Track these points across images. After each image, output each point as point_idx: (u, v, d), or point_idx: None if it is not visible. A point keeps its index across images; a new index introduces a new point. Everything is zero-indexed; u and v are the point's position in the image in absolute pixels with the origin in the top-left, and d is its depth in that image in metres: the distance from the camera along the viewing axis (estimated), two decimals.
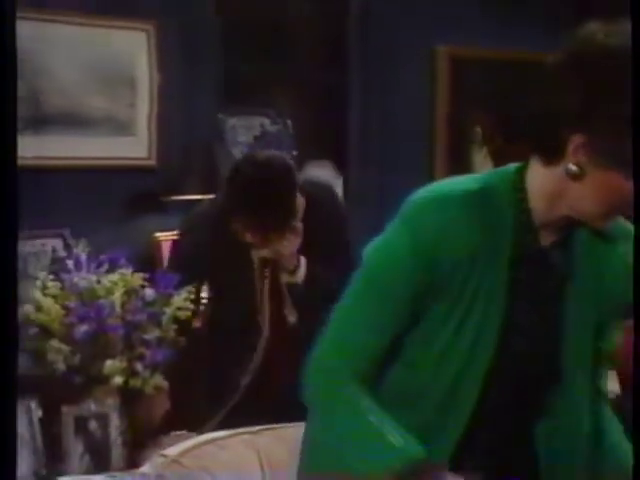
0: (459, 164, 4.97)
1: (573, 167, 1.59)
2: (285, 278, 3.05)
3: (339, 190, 4.52)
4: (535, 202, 1.68)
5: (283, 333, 3.21)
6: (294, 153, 4.34)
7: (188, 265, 3.18)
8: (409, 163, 4.76)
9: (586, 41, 1.61)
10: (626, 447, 1.86)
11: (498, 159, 4.90)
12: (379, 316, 1.73)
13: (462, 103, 4.96)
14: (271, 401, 3.17)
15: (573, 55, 1.61)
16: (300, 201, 2.90)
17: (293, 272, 3.03)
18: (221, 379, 3.27)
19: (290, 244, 2.98)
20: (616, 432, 1.92)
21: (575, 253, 1.76)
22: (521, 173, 1.69)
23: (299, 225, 2.95)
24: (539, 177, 1.66)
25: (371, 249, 1.78)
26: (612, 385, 4.36)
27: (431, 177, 4.82)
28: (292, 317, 3.17)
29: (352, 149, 4.57)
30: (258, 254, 3.04)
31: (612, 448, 1.89)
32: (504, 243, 1.72)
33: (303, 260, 3.03)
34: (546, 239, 1.74)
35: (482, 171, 5.01)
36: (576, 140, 1.56)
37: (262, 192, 2.91)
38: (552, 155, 1.63)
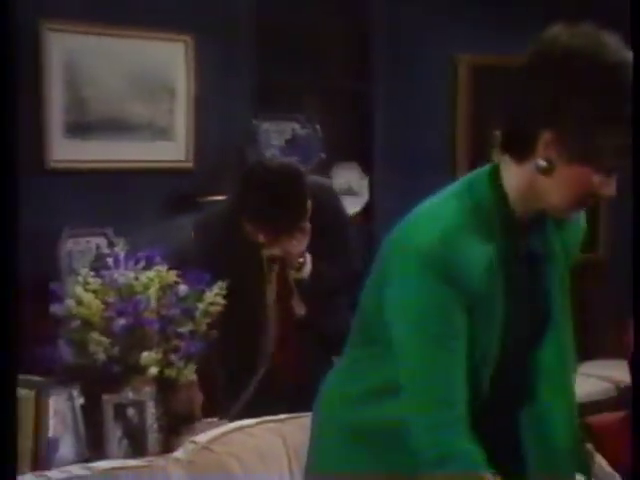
0: (480, 166, 4.84)
1: (543, 162, 1.59)
2: (292, 274, 3.07)
3: (365, 189, 4.55)
4: (514, 202, 1.68)
5: (291, 324, 3.24)
6: (322, 155, 4.35)
7: (202, 262, 3.20)
8: (431, 164, 4.74)
9: (551, 42, 1.60)
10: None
11: None
12: (452, 361, 1.70)
13: (481, 108, 4.87)
14: (284, 386, 3.20)
15: (540, 56, 1.61)
16: (308, 203, 2.92)
17: (300, 268, 3.05)
18: (239, 367, 3.30)
19: (299, 243, 3.00)
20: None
21: (547, 237, 1.78)
22: (495, 176, 1.69)
23: (307, 225, 2.97)
24: (513, 176, 1.66)
25: (401, 310, 1.74)
26: (611, 371, 4.29)
27: (453, 177, 4.75)
28: (300, 309, 3.20)
29: (377, 152, 4.57)
30: (268, 252, 3.07)
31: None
32: (496, 245, 1.70)
33: (309, 257, 3.04)
34: (527, 231, 1.74)
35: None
36: (546, 137, 1.56)
37: (274, 196, 2.93)
38: (523, 152, 1.62)
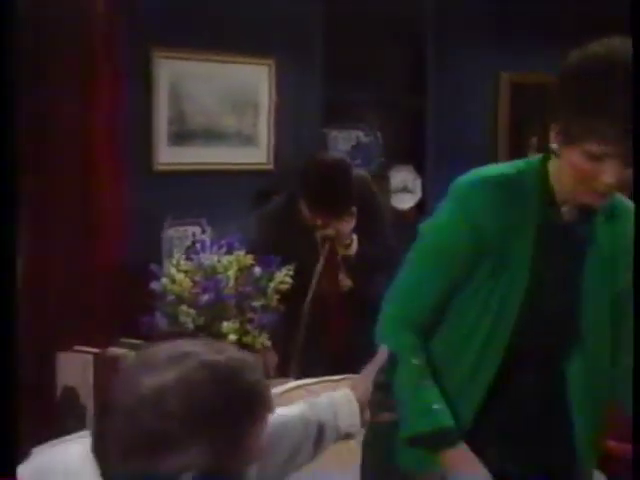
0: None
1: (554, 145, 1.57)
2: (341, 251, 3.04)
3: (418, 188, 4.49)
4: (554, 182, 1.62)
5: (339, 295, 3.22)
6: (382, 159, 4.31)
7: (266, 245, 3.21)
8: (475, 166, 4.52)
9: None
10: None
11: None
12: (435, 279, 1.66)
13: (519, 118, 4.74)
14: (335, 349, 3.20)
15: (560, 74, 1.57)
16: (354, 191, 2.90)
17: (348, 247, 3.02)
18: (298, 333, 3.26)
19: (348, 225, 2.98)
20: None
21: (595, 228, 1.67)
22: (545, 160, 1.64)
23: (354, 209, 2.95)
24: (551, 163, 1.63)
25: (427, 224, 1.72)
26: None
27: None
28: (346, 282, 3.16)
29: (429, 155, 4.50)
30: (322, 233, 3.04)
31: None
32: (532, 216, 1.64)
33: (355, 237, 3.01)
34: (569, 215, 1.65)
35: None
36: (554, 127, 1.56)
37: (328, 185, 2.92)
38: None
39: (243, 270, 3.01)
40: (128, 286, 3.05)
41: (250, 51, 3.85)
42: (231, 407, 1.15)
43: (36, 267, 2.99)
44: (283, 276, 3.09)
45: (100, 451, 1.14)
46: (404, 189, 4.44)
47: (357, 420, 1.55)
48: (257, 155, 3.91)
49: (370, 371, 1.60)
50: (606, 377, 1.71)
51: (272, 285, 3.09)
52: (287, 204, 3.16)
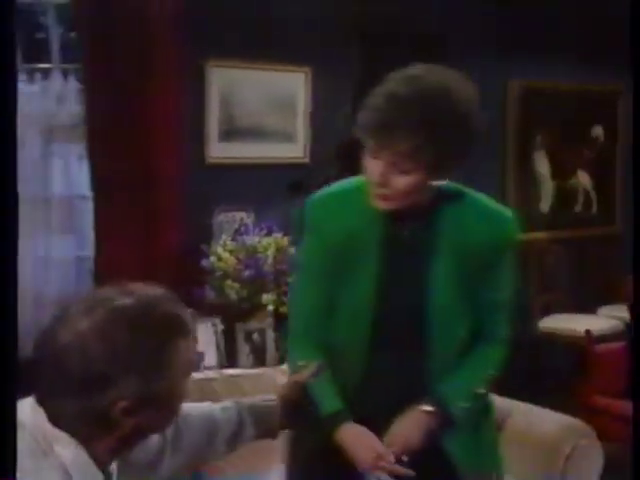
0: (524, 167, 4.58)
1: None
2: None
3: None
4: None
5: None
6: None
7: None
8: (485, 165, 4.29)
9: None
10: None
11: (551, 156, 4.62)
12: (312, 294, 1.59)
13: (528, 121, 4.52)
14: None
15: None
16: None
17: None
18: None
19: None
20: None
21: (438, 228, 1.53)
22: None
23: None
24: None
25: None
26: (622, 313, 4.09)
27: (503, 174, 4.57)
28: None
29: None
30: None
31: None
32: (373, 225, 1.54)
33: None
34: (408, 219, 1.53)
35: (542, 168, 4.62)
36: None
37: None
38: None
39: (280, 250, 3.02)
40: (184, 263, 3.06)
41: (289, 61, 3.83)
42: (149, 339, 1.13)
43: (111, 249, 3.00)
44: None
45: (41, 400, 1.14)
46: None
47: (276, 421, 1.43)
48: (294, 150, 3.88)
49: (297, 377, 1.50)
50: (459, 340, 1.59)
51: None
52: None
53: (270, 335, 3.00)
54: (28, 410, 1.14)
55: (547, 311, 4.34)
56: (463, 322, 1.58)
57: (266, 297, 2.93)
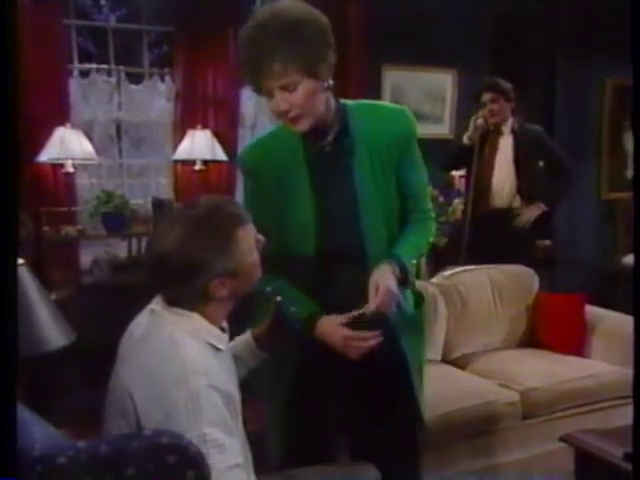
0: (615, 144, 5.11)
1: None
2: None
3: None
4: None
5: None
6: None
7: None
8: (585, 148, 5.00)
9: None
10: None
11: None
12: (261, 224, 1.52)
13: (619, 109, 5.02)
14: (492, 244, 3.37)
15: None
16: None
17: None
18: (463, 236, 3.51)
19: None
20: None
21: (352, 136, 1.59)
22: None
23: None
24: None
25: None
26: None
27: (599, 156, 5.12)
28: None
29: (555, 141, 4.10)
30: None
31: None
32: (297, 151, 1.59)
33: None
34: (325, 136, 1.59)
35: (628, 145, 5.26)
36: None
37: None
38: None
39: (431, 199, 2.80)
40: None
41: (441, 64, 4.51)
42: (220, 232, 1.30)
43: None
44: (457, 204, 3.79)
45: (160, 289, 1.30)
46: None
47: (258, 354, 1.61)
48: (443, 129, 4.55)
49: None
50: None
51: (450, 209, 3.84)
52: None
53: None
54: (153, 301, 1.32)
55: (629, 251, 4.92)
56: (390, 205, 1.64)
57: None
